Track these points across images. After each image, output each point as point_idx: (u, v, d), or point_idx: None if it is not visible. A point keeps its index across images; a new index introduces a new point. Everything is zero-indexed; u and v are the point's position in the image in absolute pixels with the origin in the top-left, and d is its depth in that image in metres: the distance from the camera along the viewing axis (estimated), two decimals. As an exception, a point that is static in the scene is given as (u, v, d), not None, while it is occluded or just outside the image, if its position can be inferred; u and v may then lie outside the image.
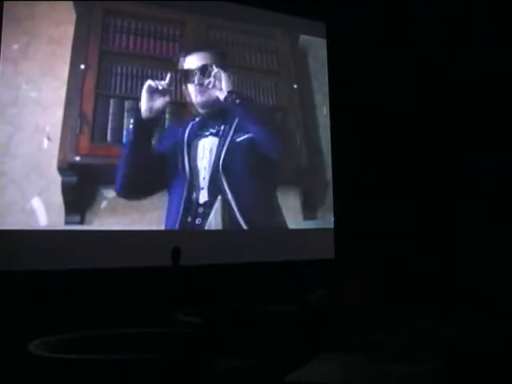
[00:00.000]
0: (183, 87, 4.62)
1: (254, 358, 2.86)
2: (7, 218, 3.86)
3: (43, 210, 3.98)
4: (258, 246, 4.69)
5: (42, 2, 4.15)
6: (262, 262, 4.56)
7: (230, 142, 4.71)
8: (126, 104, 4.42)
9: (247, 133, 4.81)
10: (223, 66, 4.81)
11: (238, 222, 4.71)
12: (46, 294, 3.71)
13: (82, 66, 4.26)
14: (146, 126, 4.42)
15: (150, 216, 4.35)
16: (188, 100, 4.64)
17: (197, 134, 4.62)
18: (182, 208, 4.45)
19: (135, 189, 4.31)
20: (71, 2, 4.27)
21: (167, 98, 4.53)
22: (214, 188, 4.61)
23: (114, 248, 4.14)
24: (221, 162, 4.64)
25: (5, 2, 3.96)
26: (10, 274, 3.65)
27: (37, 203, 3.96)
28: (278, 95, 5.16)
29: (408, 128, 5.19)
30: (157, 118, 4.48)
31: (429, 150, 5.17)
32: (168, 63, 4.65)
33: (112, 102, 4.37)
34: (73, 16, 4.27)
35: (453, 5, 4.98)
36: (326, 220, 5.22)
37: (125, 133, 4.34)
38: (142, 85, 4.48)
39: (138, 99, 4.45)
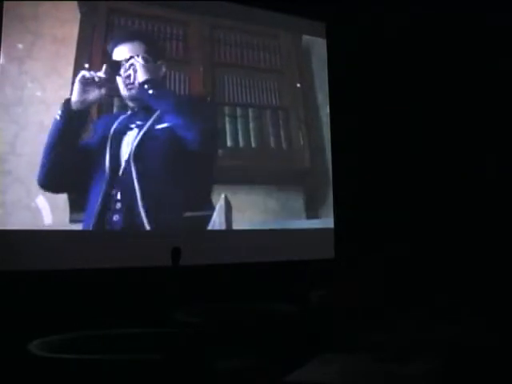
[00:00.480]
0: (114, 79, 4.42)
1: (254, 358, 2.86)
2: (12, 216, 3.87)
3: (48, 209, 3.98)
4: (258, 246, 4.69)
5: (45, 2, 4.15)
6: (262, 262, 4.56)
7: (145, 131, 4.41)
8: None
9: (166, 122, 4.52)
10: (150, 57, 4.54)
11: (140, 219, 4.32)
12: (46, 294, 3.71)
13: (87, 66, 4.27)
14: (74, 119, 4.21)
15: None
16: (119, 93, 4.44)
17: (125, 128, 4.38)
18: (99, 204, 4.18)
19: (56, 182, 4.10)
20: (75, 2, 4.28)
21: (103, 91, 4.32)
22: (125, 180, 4.29)
23: (114, 248, 4.14)
24: (132, 151, 4.34)
25: (7, 2, 3.96)
26: (11, 274, 3.65)
27: (42, 202, 3.97)
28: (280, 95, 5.15)
29: (408, 127, 5.19)
30: (87, 110, 4.28)
31: (429, 149, 5.17)
32: (172, 62, 4.66)
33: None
34: (77, 15, 4.28)
35: (454, 4, 4.98)
36: (328, 219, 5.21)
37: (52, 122, 4.12)
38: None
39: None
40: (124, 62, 4.41)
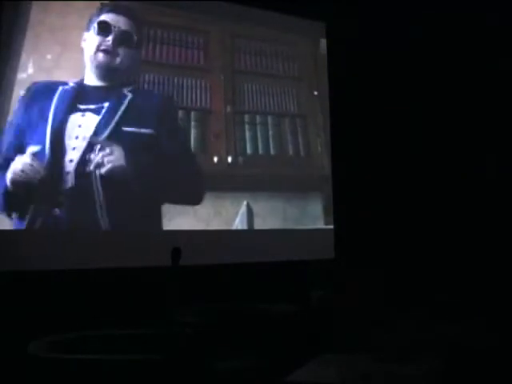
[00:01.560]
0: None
1: (254, 358, 2.86)
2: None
3: None
4: (258, 246, 4.69)
5: (73, 13, 4.17)
6: (262, 262, 4.56)
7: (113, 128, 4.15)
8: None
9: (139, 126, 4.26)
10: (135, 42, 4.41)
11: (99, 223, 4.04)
12: (46, 294, 3.71)
13: None
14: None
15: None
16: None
17: (72, 108, 4.05)
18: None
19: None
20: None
21: None
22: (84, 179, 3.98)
23: (114, 248, 4.14)
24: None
25: (38, 13, 4.02)
26: (10, 274, 3.65)
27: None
28: (299, 102, 5.18)
29: (408, 128, 5.19)
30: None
31: (429, 150, 5.17)
32: (193, 70, 4.68)
33: None
34: None
35: (454, 4, 4.98)
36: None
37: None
38: (167, 93, 4.51)
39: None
40: (111, 27, 4.25)
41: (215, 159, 4.64)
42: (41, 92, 3.98)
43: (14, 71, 3.94)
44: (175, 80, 4.57)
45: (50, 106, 3.98)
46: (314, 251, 4.90)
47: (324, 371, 2.45)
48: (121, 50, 4.29)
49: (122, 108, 4.22)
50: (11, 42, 3.95)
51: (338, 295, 3.19)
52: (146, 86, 4.42)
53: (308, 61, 5.34)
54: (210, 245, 4.48)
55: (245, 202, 4.70)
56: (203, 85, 4.71)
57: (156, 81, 4.49)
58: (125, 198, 4.13)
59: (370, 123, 5.23)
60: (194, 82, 4.66)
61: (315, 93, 5.32)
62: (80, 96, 4.10)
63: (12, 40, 3.96)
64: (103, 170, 4.02)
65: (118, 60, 4.27)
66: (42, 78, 4.04)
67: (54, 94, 4.02)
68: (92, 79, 4.20)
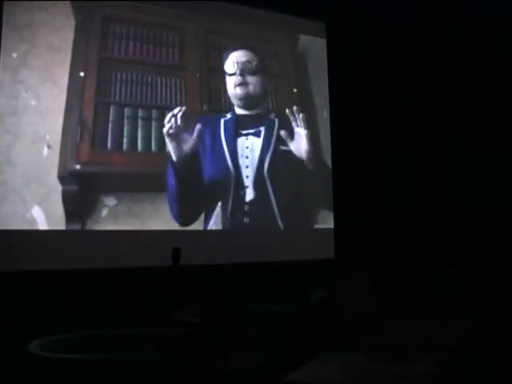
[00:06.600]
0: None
1: (254, 357, 2.86)
2: (9, 228, 3.84)
3: (44, 219, 3.95)
4: (259, 246, 4.68)
5: (41, 9, 4.11)
6: (262, 262, 4.56)
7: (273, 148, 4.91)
8: (126, 111, 4.38)
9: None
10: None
11: (277, 224, 4.87)
12: (46, 294, 3.71)
13: (82, 74, 4.23)
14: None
15: (152, 222, 4.32)
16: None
17: (235, 132, 4.79)
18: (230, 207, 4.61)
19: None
20: (70, 9, 4.24)
21: None
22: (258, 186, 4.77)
23: (114, 248, 4.14)
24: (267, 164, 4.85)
25: (4, 10, 3.93)
26: (10, 274, 3.65)
27: (37, 212, 3.93)
28: (277, 99, 5.13)
29: (408, 129, 5.19)
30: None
31: (429, 151, 5.17)
32: (168, 69, 4.62)
33: (112, 108, 4.34)
34: (72, 23, 4.24)
35: (453, 5, 4.99)
36: (326, 225, 5.18)
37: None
38: (141, 91, 4.44)
39: (138, 106, 4.42)
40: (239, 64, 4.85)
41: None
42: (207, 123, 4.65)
43: None
44: (149, 78, 4.51)
45: (220, 134, 4.69)
46: (314, 251, 4.89)
47: (324, 371, 2.45)
48: (249, 79, 4.84)
49: (275, 131, 4.92)
50: None
51: (338, 295, 3.18)
52: (118, 84, 4.37)
53: (286, 57, 5.27)
54: (209, 245, 4.48)
55: (219, 203, 4.67)
56: (178, 83, 4.64)
57: (129, 79, 4.42)
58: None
59: (370, 123, 5.23)
60: (168, 80, 4.59)
61: (294, 90, 5.27)
62: (239, 123, 4.78)
63: None
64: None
65: (251, 88, 4.83)
66: (8, 77, 3.95)
67: (219, 124, 4.72)
68: (241, 110, 4.83)
